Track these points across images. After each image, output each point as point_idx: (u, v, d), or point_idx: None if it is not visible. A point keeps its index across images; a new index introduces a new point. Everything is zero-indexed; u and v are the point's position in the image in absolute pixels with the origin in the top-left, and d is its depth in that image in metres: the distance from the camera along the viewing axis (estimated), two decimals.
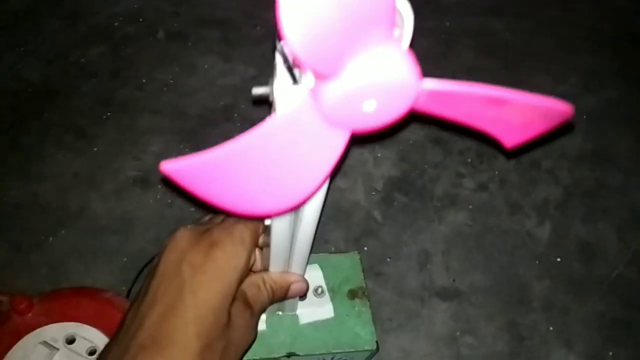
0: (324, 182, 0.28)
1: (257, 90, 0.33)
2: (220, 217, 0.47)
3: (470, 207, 0.81)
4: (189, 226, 0.44)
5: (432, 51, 0.99)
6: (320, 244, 0.74)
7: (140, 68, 0.88)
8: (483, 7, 1.09)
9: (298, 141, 0.26)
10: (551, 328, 0.71)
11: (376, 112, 0.24)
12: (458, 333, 0.70)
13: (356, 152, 0.84)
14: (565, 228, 0.80)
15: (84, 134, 0.80)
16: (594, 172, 0.87)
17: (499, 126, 0.29)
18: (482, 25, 1.05)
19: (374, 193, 0.81)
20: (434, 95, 0.25)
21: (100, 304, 0.60)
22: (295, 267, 0.52)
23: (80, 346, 0.56)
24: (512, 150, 0.32)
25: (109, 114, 0.83)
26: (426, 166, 0.84)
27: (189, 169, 0.28)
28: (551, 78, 0.98)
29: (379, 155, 0.85)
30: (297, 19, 0.19)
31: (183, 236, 0.43)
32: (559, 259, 0.77)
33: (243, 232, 0.44)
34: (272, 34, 0.31)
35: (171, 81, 0.88)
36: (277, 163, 0.27)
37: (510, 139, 0.30)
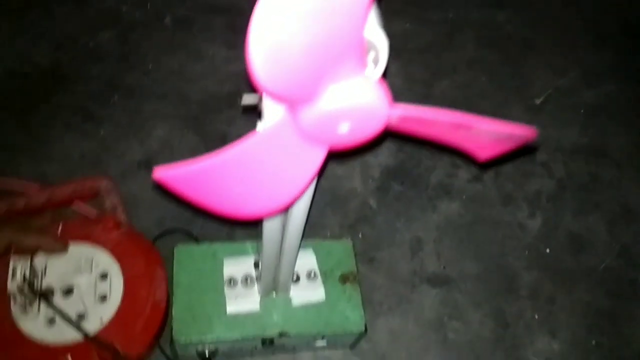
0: (304, 190, 0.31)
1: (247, 99, 0.35)
2: None
3: (464, 197, 0.83)
4: None
5: (434, 43, 1.01)
6: (316, 229, 0.77)
7: (147, 53, 0.91)
8: None
9: (279, 155, 0.29)
10: (536, 316, 0.74)
11: (350, 133, 0.27)
12: (446, 318, 0.73)
13: None
14: (556, 220, 0.83)
15: (92, 117, 0.83)
16: (589, 166, 0.89)
17: (468, 144, 0.31)
18: (485, 18, 1.06)
19: (370, 181, 0.83)
20: (404, 118, 0.27)
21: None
22: (286, 260, 0.55)
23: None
24: (485, 162, 0.35)
25: (115, 98, 0.85)
26: (423, 156, 0.86)
27: (179, 176, 0.31)
28: (551, 71, 0.99)
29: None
30: (268, 61, 0.22)
31: None
32: (548, 250, 0.80)
33: None
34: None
35: (177, 67, 0.90)
36: (260, 174, 0.30)
37: (481, 154, 0.32)
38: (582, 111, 0.96)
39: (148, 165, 0.79)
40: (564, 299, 0.76)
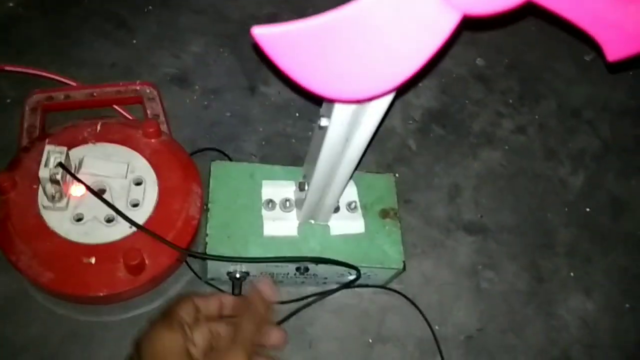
0: (422, 66, 0.27)
1: None
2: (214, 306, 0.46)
3: (506, 147, 0.80)
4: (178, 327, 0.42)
5: None
6: None
7: None
8: None
9: (405, 16, 0.25)
10: (572, 274, 0.72)
11: None
12: (480, 267, 0.70)
13: None
14: (598, 180, 0.80)
15: (124, 25, 0.78)
16: (634, 129, 0.86)
17: (611, 34, 0.27)
18: None
19: (411, 122, 0.80)
20: None
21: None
22: (339, 180, 0.51)
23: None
24: (613, 64, 0.31)
25: (150, 7, 0.81)
26: (467, 102, 0.83)
27: (282, 37, 0.27)
28: None
29: (420, 85, 0.83)
30: None
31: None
32: (588, 209, 0.77)
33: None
34: None
35: None
36: (377, 40, 0.26)
37: (616, 51, 0.29)
38: (630, 73, 0.92)
39: (182, 81, 0.75)
40: (601, 260, 0.74)
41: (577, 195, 0.78)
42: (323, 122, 0.44)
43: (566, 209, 0.76)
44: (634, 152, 0.83)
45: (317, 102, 0.44)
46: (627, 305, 0.71)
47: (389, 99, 0.38)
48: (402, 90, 0.33)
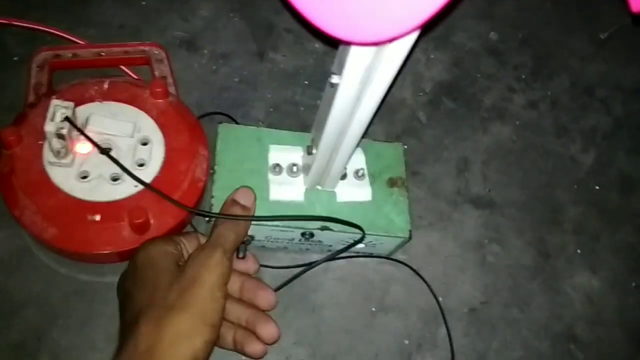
0: (445, 4, 0.26)
1: None
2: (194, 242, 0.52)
3: (517, 122, 0.79)
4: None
5: None
6: None
7: None
8: None
9: None
10: (579, 251, 0.71)
11: None
12: (486, 240, 0.70)
13: None
14: (609, 158, 0.79)
15: None
16: None
17: None
18: None
19: (421, 94, 0.78)
20: None
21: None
22: (347, 144, 0.51)
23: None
24: (638, 15, 0.30)
25: None
26: (478, 75, 0.81)
27: None
28: (621, 7, 0.93)
29: (432, 56, 0.81)
30: None
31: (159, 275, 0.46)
32: (597, 187, 0.76)
33: (219, 257, 0.48)
34: None
35: None
36: None
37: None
38: None
39: (190, 44, 0.74)
40: (609, 238, 0.73)
41: (587, 173, 0.77)
42: (334, 79, 0.43)
43: (575, 186, 0.76)
44: None
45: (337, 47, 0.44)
46: (634, 284, 0.71)
47: (406, 46, 0.37)
48: (420, 35, 0.32)
